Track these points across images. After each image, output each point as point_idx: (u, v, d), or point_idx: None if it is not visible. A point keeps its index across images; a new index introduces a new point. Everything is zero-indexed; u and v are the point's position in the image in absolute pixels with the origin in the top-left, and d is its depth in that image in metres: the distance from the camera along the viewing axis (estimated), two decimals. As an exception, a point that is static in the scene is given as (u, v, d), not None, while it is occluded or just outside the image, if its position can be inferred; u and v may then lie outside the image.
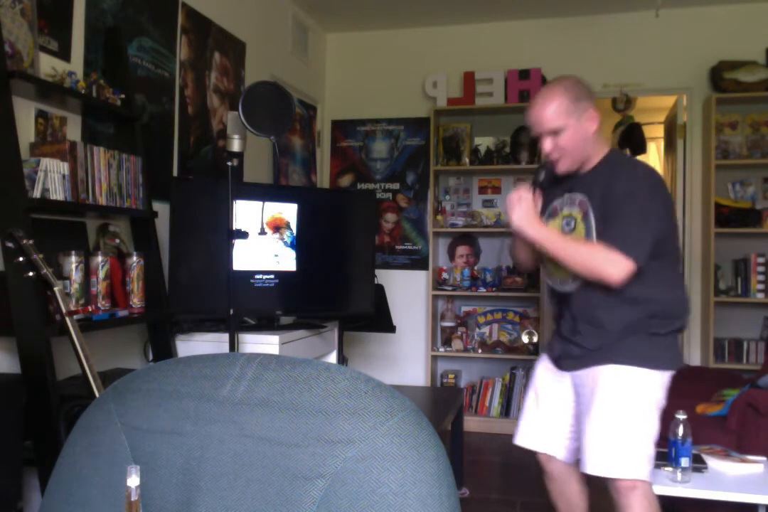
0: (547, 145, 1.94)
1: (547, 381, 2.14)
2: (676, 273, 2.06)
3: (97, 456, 0.91)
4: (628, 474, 1.85)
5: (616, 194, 1.87)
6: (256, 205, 2.82)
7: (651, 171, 1.97)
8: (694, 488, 2.11)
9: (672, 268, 2.03)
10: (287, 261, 3.09)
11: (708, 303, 4.14)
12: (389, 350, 4.79)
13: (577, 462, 2.06)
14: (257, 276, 2.99)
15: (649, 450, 1.90)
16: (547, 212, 2.08)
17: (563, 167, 1.97)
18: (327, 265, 3.23)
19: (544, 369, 2.16)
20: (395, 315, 3.94)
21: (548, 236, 1.92)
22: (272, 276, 3.04)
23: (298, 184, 4.56)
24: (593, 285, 1.92)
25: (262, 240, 2.97)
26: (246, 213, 2.78)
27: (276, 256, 3.06)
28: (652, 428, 1.91)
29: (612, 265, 1.83)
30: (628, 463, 1.86)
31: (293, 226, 3.10)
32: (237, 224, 2.48)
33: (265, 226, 2.93)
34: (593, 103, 1.96)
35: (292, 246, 3.10)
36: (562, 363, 2.07)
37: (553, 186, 2.08)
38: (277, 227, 3.06)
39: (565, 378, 2.08)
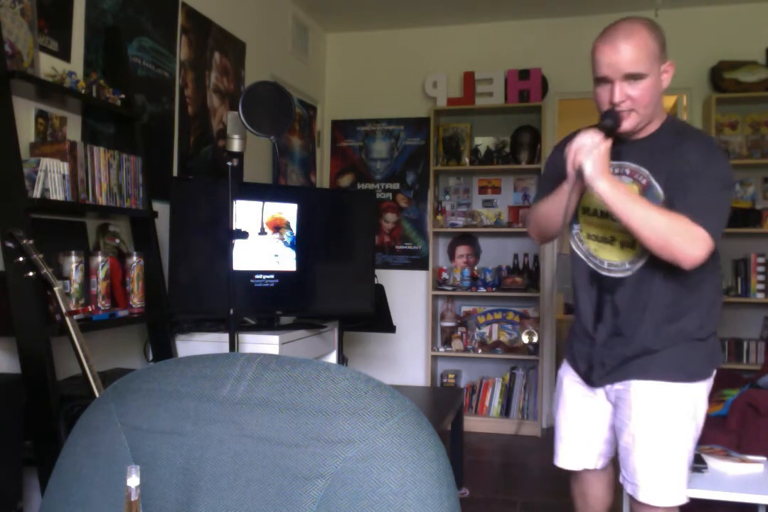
0: (619, 92, 1.60)
1: (577, 396, 1.93)
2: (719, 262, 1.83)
3: (97, 456, 0.91)
4: (677, 501, 1.75)
5: (693, 165, 1.61)
6: (256, 205, 2.82)
7: (724, 151, 1.69)
8: (694, 488, 2.11)
9: (718, 257, 1.79)
10: (287, 261, 3.09)
11: (708, 303, 4.14)
12: (389, 350, 4.79)
13: (610, 463, 1.99)
14: (257, 276, 2.99)
15: (688, 470, 1.79)
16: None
17: (630, 124, 1.65)
18: (327, 265, 3.23)
19: (571, 382, 1.94)
20: (395, 315, 3.94)
21: (623, 193, 1.59)
22: (272, 276, 3.04)
23: (297, 184, 4.56)
24: (657, 269, 1.68)
25: (262, 240, 2.97)
26: (246, 213, 2.78)
27: (276, 255, 3.06)
28: (691, 447, 1.78)
29: (693, 240, 1.56)
30: (677, 491, 1.75)
31: (293, 225, 3.10)
32: (237, 224, 2.48)
33: (265, 225, 2.93)
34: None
35: (292, 246, 3.10)
36: (593, 376, 1.84)
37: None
38: (277, 227, 3.06)
39: (598, 392, 1.88)
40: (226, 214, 2.46)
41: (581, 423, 1.94)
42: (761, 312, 4.27)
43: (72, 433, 0.96)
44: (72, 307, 1.93)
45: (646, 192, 1.69)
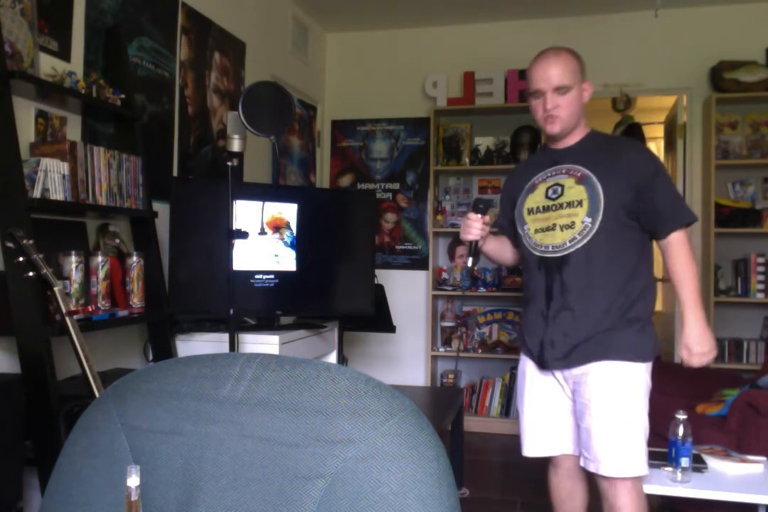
0: (551, 101, 1.95)
1: (538, 384, 2.08)
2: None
3: (96, 456, 0.91)
4: (638, 471, 1.90)
5: (634, 163, 1.95)
6: (256, 205, 2.82)
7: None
8: (694, 488, 2.11)
9: (651, 247, 2.07)
10: (287, 261, 3.09)
11: (708, 303, 4.14)
12: (389, 350, 4.79)
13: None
14: (257, 276, 2.99)
15: (646, 444, 1.94)
16: (522, 192, 2.10)
17: (557, 128, 1.98)
18: (327, 265, 3.23)
19: (530, 372, 2.10)
20: (395, 315, 3.94)
21: (698, 304, 1.94)
22: (272, 276, 3.04)
23: (297, 184, 4.56)
24: (599, 251, 1.92)
25: (262, 240, 2.97)
26: (246, 213, 2.78)
27: (276, 255, 3.06)
28: (646, 422, 1.94)
29: (688, 248, 1.95)
30: (637, 462, 1.90)
31: (293, 225, 3.10)
32: (237, 224, 2.48)
33: (265, 225, 2.93)
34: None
35: (292, 246, 3.10)
36: (547, 361, 2.00)
37: (527, 170, 2.14)
38: (277, 227, 3.06)
39: (557, 378, 2.04)
40: (226, 214, 2.46)
41: (546, 409, 2.07)
42: (761, 312, 4.27)
43: (72, 433, 0.96)
44: (72, 307, 1.93)
45: (581, 181, 1.96)
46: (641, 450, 1.90)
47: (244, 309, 2.89)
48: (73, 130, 2.50)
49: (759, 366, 3.74)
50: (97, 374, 1.88)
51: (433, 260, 4.69)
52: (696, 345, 1.92)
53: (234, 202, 2.47)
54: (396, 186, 4.86)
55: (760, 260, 4.11)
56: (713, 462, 2.28)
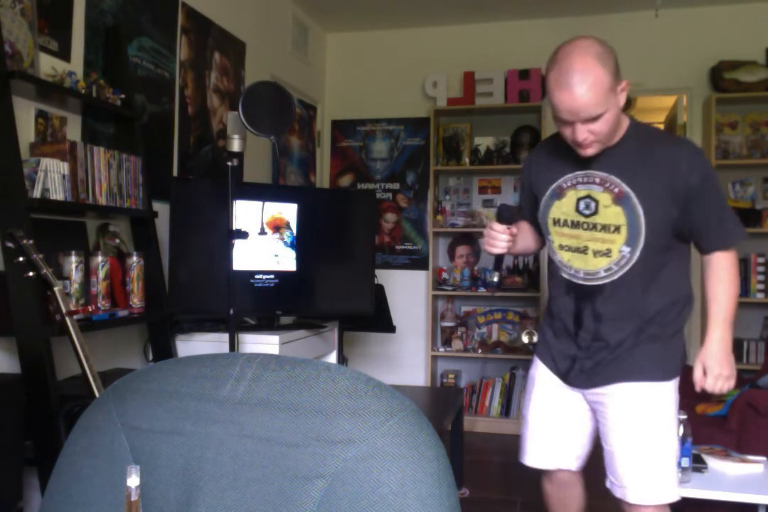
0: (581, 133, 1.61)
1: (553, 394, 1.92)
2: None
3: (97, 456, 0.91)
4: (667, 499, 1.77)
5: (678, 171, 1.65)
6: (256, 205, 2.83)
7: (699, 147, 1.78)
8: (694, 488, 2.11)
9: (688, 259, 1.88)
10: (287, 261, 3.09)
11: (708, 303, 4.14)
12: (389, 350, 4.79)
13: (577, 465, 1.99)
14: (257, 276, 2.99)
15: (676, 467, 1.81)
16: (547, 193, 1.81)
17: (593, 151, 1.67)
18: (327, 265, 3.23)
19: (546, 380, 1.94)
20: (395, 315, 3.94)
21: (728, 323, 1.75)
22: (272, 276, 3.04)
23: (297, 184, 4.56)
24: (637, 279, 1.72)
25: (262, 240, 2.97)
26: (246, 213, 2.78)
27: (276, 255, 3.06)
28: (677, 444, 1.82)
29: (737, 266, 1.80)
30: (666, 489, 1.76)
31: (293, 225, 3.10)
32: (237, 224, 2.48)
33: (265, 225, 2.93)
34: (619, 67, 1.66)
35: (292, 246, 3.10)
36: (572, 379, 1.86)
37: (552, 163, 1.83)
38: (277, 227, 3.06)
39: (575, 392, 1.90)
40: (226, 214, 2.46)
41: (557, 421, 1.92)
42: (761, 312, 4.27)
43: (72, 433, 0.96)
44: (72, 307, 1.93)
45: (620, 201, 1.69)
46: (671, 475, 1.76)
47: (244, 310, 2.89)
48: (73, 130, 2.50)
49: (759, 366, 3.74)
50: (97, 374, 1.88)
51: (433, 260, 4.69)
52: (716, 365, 1.71)
53: (234, 202, 2.47)
54: (396, 186, 4.86)
55: (760, 260, 4.11)
56: (713, 462, 2.28)
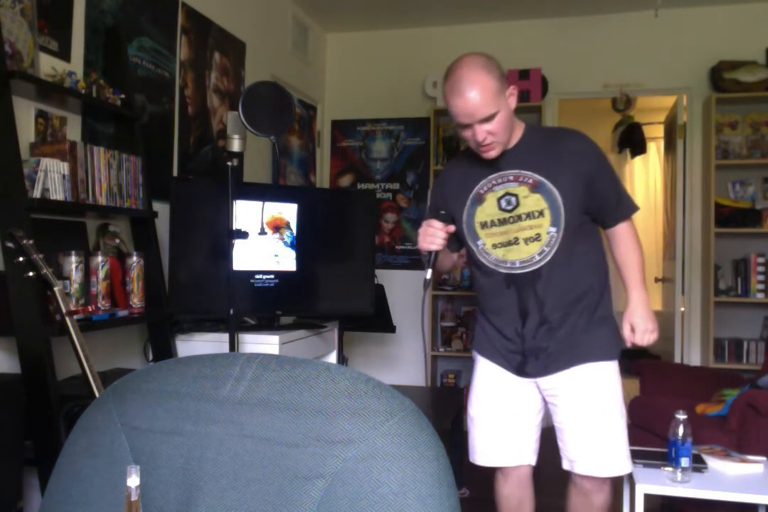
0: (479, 133, 1.78)
1: (502, 388, 1.99)
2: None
3: (97, 456, 0.91)
4: (627, 468, 1.94)
5: (578, 155, 1.87)
6: (256, 205, 2.82)
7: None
8: (694, 488, 2.11)
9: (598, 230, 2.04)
10: (287, 261, 3.09)
11: (708, 303, 4.14)
12: (389, 350, 4.79)
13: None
14: (257, 276, 2.99)
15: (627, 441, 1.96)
16: (467, 203, 1.94)
17: (495, 153, 1.85)
18: (327, 265, 3.23)
19: (492, 374, 2.01)
20: (395, 315, 3.94)
21: (643, 285, 1.99)
22: (272, 276, 3.04)
23: (297, 184, 4.55)
24: (565, 256, 1.88)
25: (262, 240, 2.97)
26: (246, 213, 2.78)
27: (276, 255, 3.06)
28: (625, 418, 1.97)
29: (637, 234, 2.00)
30: (626, 459, 1.93)
31: (293, 225, 3.10)
32: (237, 224, 2.48)
33: (265, 226, 2.93)
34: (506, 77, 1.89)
35: (292, 246, 3.10)
36: (527, 367, 1.94)
37: (464, 176, 1.97)
38: (277, 227, 3.06)
39: (528, 385, 1.98)
40: (226, 214, 2.46)
41: (513, 416, 1.98)
42: (761, 312, 4.27)
43: (72, 433, 0.96)
44: (72, 307, 1.93)
45: (537, 188, 1.86)
46: (625, 448, 1.92)
47: (244, 309, 2.88)
48: (73, 130, 2.50)
49: (759, 366, 3.74)
50: (97, 374, 1.88)
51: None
52: (641, 322, 1.95)
53: (234, 202, 2.47)
54: (396, 186, 4.86)
55: (760, 260, 4.11)
56: (713, 462, 2.28)
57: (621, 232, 1.98)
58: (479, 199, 1.93)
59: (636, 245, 1.98)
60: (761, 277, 4.10)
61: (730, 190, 4.28)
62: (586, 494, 1.96)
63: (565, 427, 1.94)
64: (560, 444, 1.96)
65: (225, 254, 2.48)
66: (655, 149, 6.59)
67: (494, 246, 1.91)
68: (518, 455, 2.00)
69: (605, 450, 1.89)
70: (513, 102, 1.85)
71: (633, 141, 5.82)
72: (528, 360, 1.94)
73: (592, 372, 1.91)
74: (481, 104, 1.74)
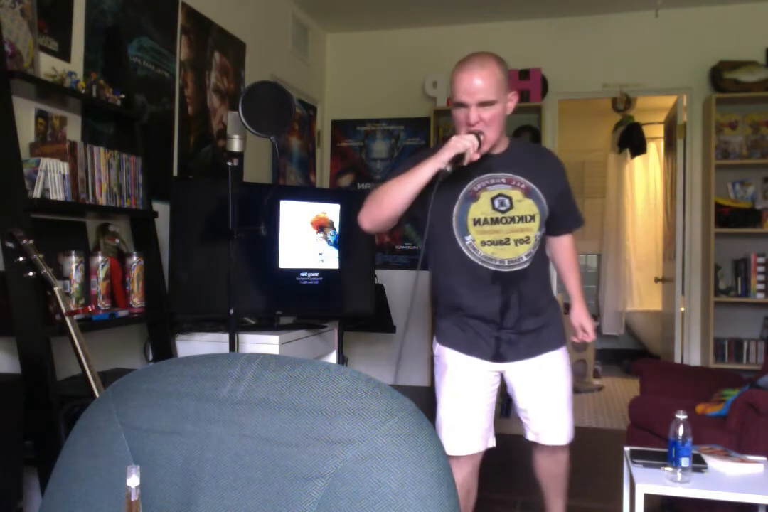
0: (474, 114, 1.88)
1: (468, 378, 2.08)
2: None
3: (97, 456, 0.91)
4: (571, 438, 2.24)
5: (556, 171, 2.11)
6: (301, 205, 2.82)
7: None
8: (694, 488, 2.11)
9: None
10: (331, 260, 3.09)
11: (708, 303, 4.14)
12: (389, 350, 4.79)
13: None
14: (302, 274, 3.00)
15: None
16: (459, 198, 1.98)
17: (484, 142, 1.91)
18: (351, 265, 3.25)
19: (463, 366, 2.09)
20: (395, 315, 3.94)
21: (582, 296, 2.31)
22: (316, 274, 3.06)
23: (296, 184, 4.56)
24: (540, 257, 2.10)
25: (308, 239, 3.00)
26: (291, 213, 2.79)
27: (320, 254, 3.10)
28: None
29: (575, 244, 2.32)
30: (572, 430, 2.24)
31: (336, 225, 3.11)
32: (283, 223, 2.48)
33: (263, 226, 2.92)
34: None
35: (335, 245, 3.10)
36: (501, 349, 2.07)
37: (456, 172, 1.94)
38: (321, 226, 3.09)
39: (494, 369, 2.10)
40: (226, 214, 2.46)
41: (478, 404, 2.10)
42: (761, 312, 4.27)
43: (72, 433, 0.96)
44: (72, 307, 1.93)
45: (529, 194, 2.00)
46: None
47: (244, 310, 2.88)
48: (73, 130, 2.50)
49: (759, 366, 3.74)
50: (97, 374, 1.88)
51: (433, 260, 4.68)
52: (588, 322, 2.25)
53: (232, 204, 2.47)
54: (396, 186, 4.85)
55: (760, 260, 4.11)
56: (713, 462, 2.28)
57: (568, 240, 2.28)
58: (473, 197, 1.99)
59: (576, 254, 2.31)
60: (761, 277, 4.10)
61: (730, 190, 4.28)
62: (551, 454, 2.24)
63: (531, 406, 2.16)
64: (525, 421, 2.20)
65: (225, 254, 2.47)
66: (655, 149, 6.59)
67: (483, 243, 2.00)
68: (482, 442, 2.14)
69: (566, 423, 2.18)
70: (510, 107, 1.98)
71: (633, 141, 5.82)
72: (503, 347, 2.08)
73: (555, 358, 2.14)
74: (485, 86, 1.86)
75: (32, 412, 1.99)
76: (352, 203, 3.23)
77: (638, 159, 6.40)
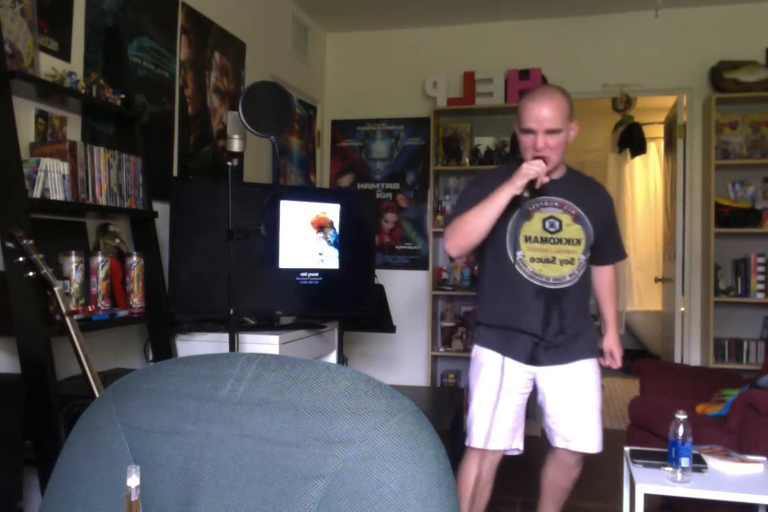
0: (542, 141, 2.08)
1: (514, 378, 2.21)
2: None
3: (97, 456, 0.91)
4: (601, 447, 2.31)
5: (606, 204, 2.31)
6: (301, 205, 2.82)
7: None
8: (694, 488, 2.11)
9: None
10: (331, 260, 3.09)
11: (708, 303, 4.14)
12: (389, 350, 4.79)
13: None
14: (302, 274, 3.00)
15: None
16: (515, 214, 2.17)
17: (548, 166, 2.11)
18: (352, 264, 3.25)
19: (500, 364, 2.20)
20: (395, 315, 3.94)
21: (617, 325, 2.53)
22: (316, 274, 3.06)
23: (296, 184, 4.56)
24: (585, 278, 2.24)
25: (308, 239, 3.00)
26: (291, 213, 2.79)
27: (320, 254, 3.10)
28: None
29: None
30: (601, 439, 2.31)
31: (336, 225, 3.10)
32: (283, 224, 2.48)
33: (263, 226, 2.92)
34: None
35: (335, 245, 3.10)
36: (541, 358, 2.21)
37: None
38: (321, 226, 3.09)
39: (528, 371, 2.22)
40: (227, 214, 2.46)
41: (510, 404, 2.21)
42: (761, 312, 4.27)
43: (72, 433, 0.96)
44: (72, 307, 1.93)
45: (578, 220, 2.19)
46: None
47: (243, 309, 2.88)
48: (73, 130, 2.50)
49: (759, 366, 3.74)
50: (97, 374, 1.88)
51: (433, 260, 4.69)
52: (618, 351, 2.44)
53: (232, 204, 2.47)
54: (396, 186, 4.86)
55: (760, 260, 4.11)
56: (713, 462, 2.28)
57: (609, 271, 2.47)
58: (527, 215, 2.18)
59: (616, 285, 2.50)
60: (761, 277, 4.10)
61: (730, 190, 4.28)
62: (569, 467, 2.30)
63: (561, 411, 2.24)
64: (554, 426, 2.27)
65: (224, 254, 2.47)
66: (655, 149, 6.59)
67: (531, 259, 2.17)
68: (513, 440, 2.23)
69: (597, 431, 2.24)
70: (572, 135, 2.17)
71: (633, 141, 5.82)
72: (538, 351, 2.21)
73: (588, 366, 2.25)
74: (552, 116, 2.07)
75: (32, 412, 1.99)
76: (351, 203, 3.25)
77: (638, 159, 6.40)
